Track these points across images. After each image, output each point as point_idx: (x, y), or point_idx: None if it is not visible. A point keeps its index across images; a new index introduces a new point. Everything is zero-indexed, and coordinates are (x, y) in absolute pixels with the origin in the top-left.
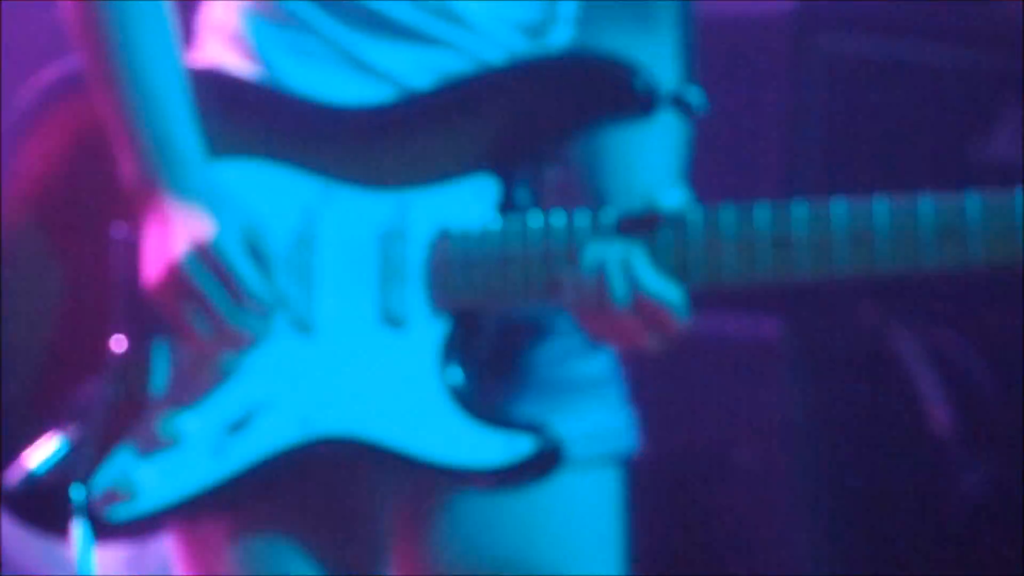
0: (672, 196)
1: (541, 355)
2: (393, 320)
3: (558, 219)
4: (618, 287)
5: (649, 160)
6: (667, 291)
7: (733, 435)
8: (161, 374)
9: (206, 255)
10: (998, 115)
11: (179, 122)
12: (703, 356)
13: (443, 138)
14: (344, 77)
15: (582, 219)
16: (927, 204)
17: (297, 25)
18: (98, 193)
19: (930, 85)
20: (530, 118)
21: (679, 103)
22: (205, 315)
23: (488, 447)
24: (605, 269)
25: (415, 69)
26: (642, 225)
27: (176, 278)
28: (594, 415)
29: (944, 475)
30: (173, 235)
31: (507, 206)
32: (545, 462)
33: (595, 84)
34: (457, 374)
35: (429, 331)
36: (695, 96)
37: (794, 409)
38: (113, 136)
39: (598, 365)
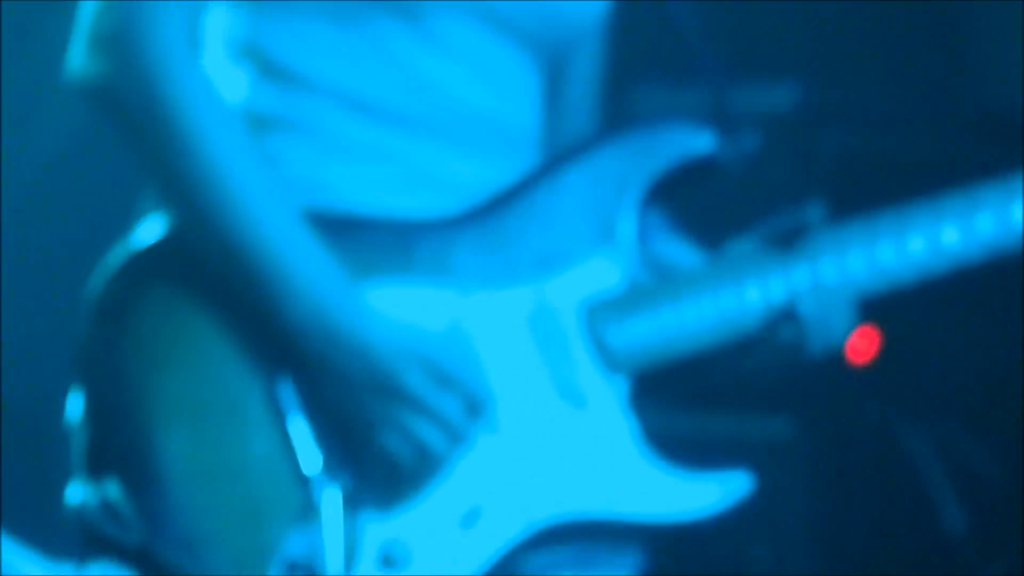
0: (814, 208)
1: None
2: (572, 396)
3: (698, 266)
4: (813, 314)
5: None
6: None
7: (749, 533)
8: (373, 499)
9: (429, 367)
10: None
11: (321, 254)
12: (718, 457)
13: (554, 225)
14: (399, 180)
15: (731, 256)
16: None
17: (376, 154)
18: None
19: (926, 177)
20: (623, 188)
21: (741, 148)
22: (438, 425)
23: (706, 494)
24: (798, 301)
25: (473, 180)
26: (792, 239)
27: (401, 396)
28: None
29: (957, 568)
30: (378, 358)
31: (631, 272)
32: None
33: (669, 148)
34: (643, 431)
35: (609, 397)
36: (751, 140)
37: (808, 507)
38: (255, 292)
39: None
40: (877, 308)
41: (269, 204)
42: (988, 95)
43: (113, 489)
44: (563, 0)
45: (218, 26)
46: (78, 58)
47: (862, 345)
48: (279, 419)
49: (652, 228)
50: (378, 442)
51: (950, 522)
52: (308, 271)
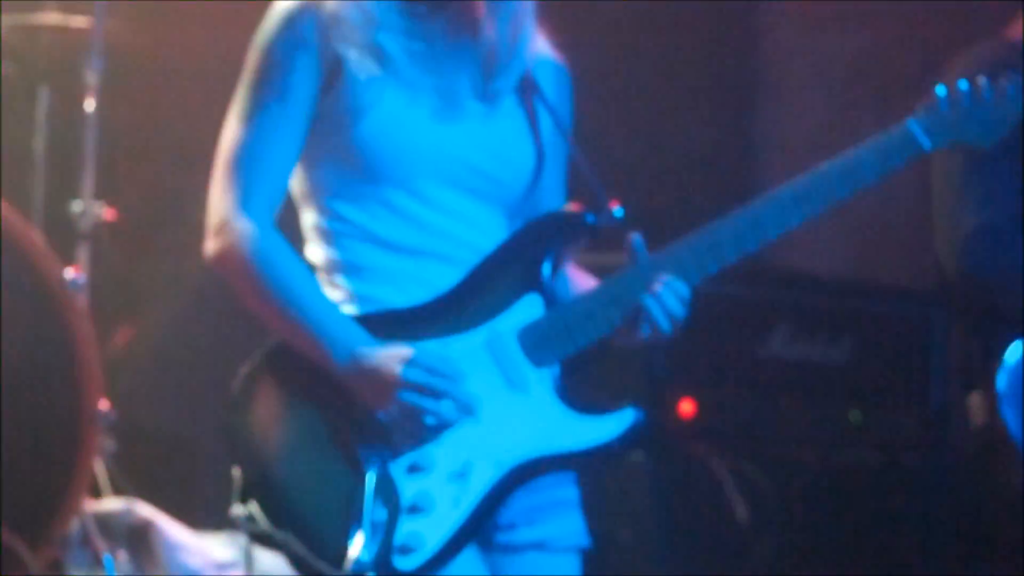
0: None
1: (542, 481)
2: (519, 386)
3: (584, 294)
4: (670, 303)
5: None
6: (684, 289)
7: (617, 520)
8: (399, 471)
9: (418, 365)
10: (771, 329)
11: (351, 326)
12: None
13: (494, 288)
14: (413, 292)
15: (610, 283)
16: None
17: (387, 273)
18: (319, 402)
19: (719, 308)
20: (538, 254)
21: (612, 219)
22: (434, 400)
23: (614, 424)
24: (656, 293)
25: (448, 277)
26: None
27: (407, 387)
28: (569, 519)
29: (744, 544)
30: (385, 370)
31: (546, 302)
32: (643, 424)
33: (564, 224)
34: (568, 396)
35: (541, 382)
36: (619, 213)
37: (654, 506)
38: (320, 358)
39: (571, 491)
40: (699, 389)
41: (322, 311)
42: None
43: (253, 506)
44: (505, 177)
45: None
46: (207, 243)
47: (688, 409)
48: (344, 437)
49: (557, 275)
50: (402, 424)
51: (739, 512)
52: (343, 338)
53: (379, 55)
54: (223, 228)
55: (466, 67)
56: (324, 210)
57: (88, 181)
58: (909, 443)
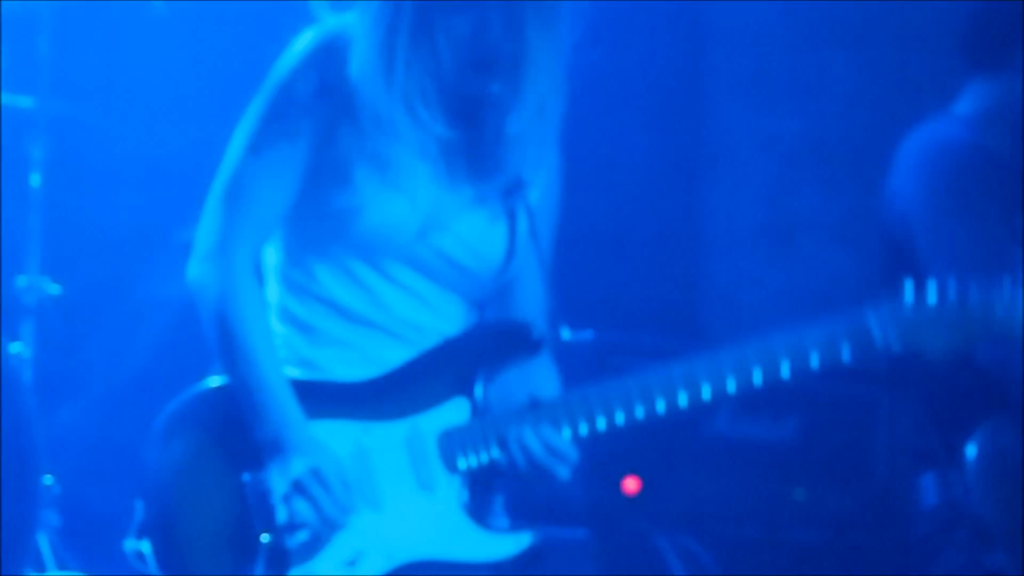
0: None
1: None
2: (426, 486)
3: (506, 412)
4: (532, 447)
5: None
6: (552, 436)
7: None
8: (294, 550)
9: (318, 479)
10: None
11: (288, 398)
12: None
13: (428, 383)
14: (356, 363)
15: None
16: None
17: (335, 341)
18: (228, 456)
19: None
20: (477, 360)
21: (558, 340)
22: (317, 510)
23: (507, 544)
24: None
25: (400, 360)
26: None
27: (298, 487)
28: None
29: None
30: (292, 462)
31: (473, 410)
32: (539, 549)
33: (510, 335)
34: (473, 508)
35: (449, 488)
36: (564, 335)
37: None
38: (248, 413)
39: None
40: (644, 466)
41: (266, 378)
42: None
43: (145, 546)
44: (472, 268)
45: (268, 261)
46: (190, 264)
47: (633, 486)
48: (247, 500)
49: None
50: (300, 504)
51: (673, 571)
52: (275, 415)
53: (383, 119)
54: (207, 258)
55: (463, 155)
56: (293, 258)
57: (34, 256)
58: (854, 522)
